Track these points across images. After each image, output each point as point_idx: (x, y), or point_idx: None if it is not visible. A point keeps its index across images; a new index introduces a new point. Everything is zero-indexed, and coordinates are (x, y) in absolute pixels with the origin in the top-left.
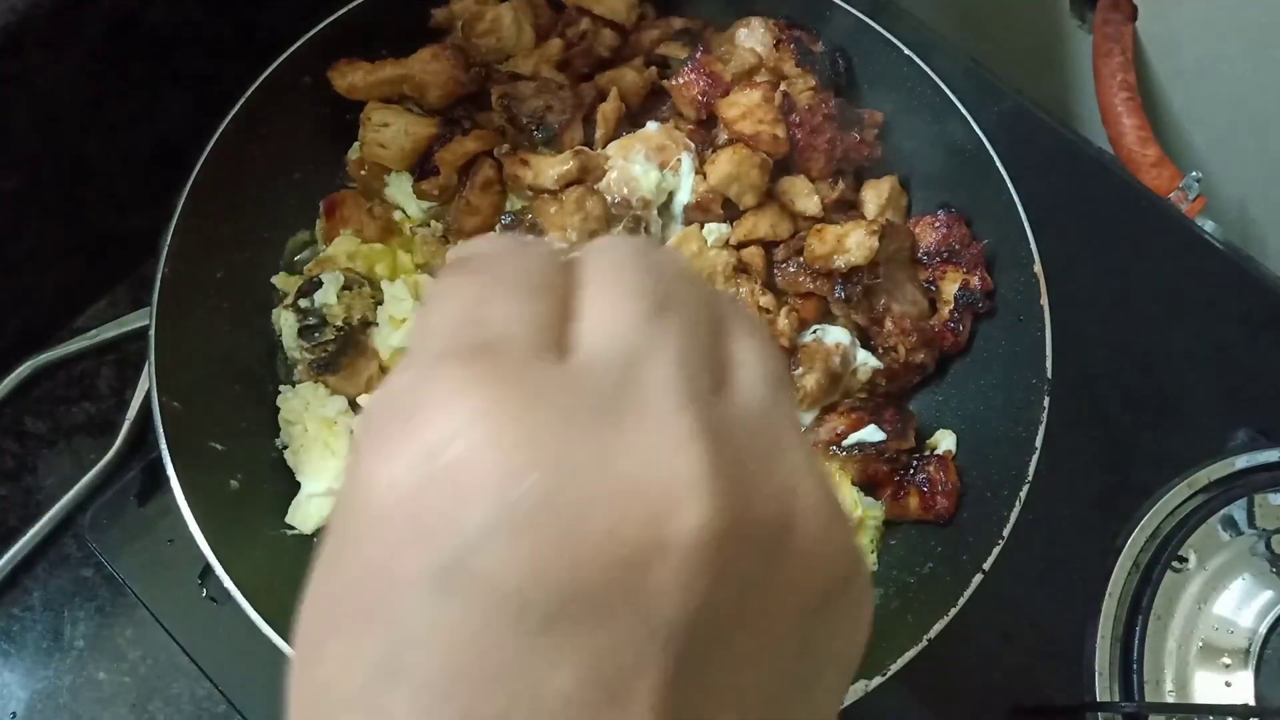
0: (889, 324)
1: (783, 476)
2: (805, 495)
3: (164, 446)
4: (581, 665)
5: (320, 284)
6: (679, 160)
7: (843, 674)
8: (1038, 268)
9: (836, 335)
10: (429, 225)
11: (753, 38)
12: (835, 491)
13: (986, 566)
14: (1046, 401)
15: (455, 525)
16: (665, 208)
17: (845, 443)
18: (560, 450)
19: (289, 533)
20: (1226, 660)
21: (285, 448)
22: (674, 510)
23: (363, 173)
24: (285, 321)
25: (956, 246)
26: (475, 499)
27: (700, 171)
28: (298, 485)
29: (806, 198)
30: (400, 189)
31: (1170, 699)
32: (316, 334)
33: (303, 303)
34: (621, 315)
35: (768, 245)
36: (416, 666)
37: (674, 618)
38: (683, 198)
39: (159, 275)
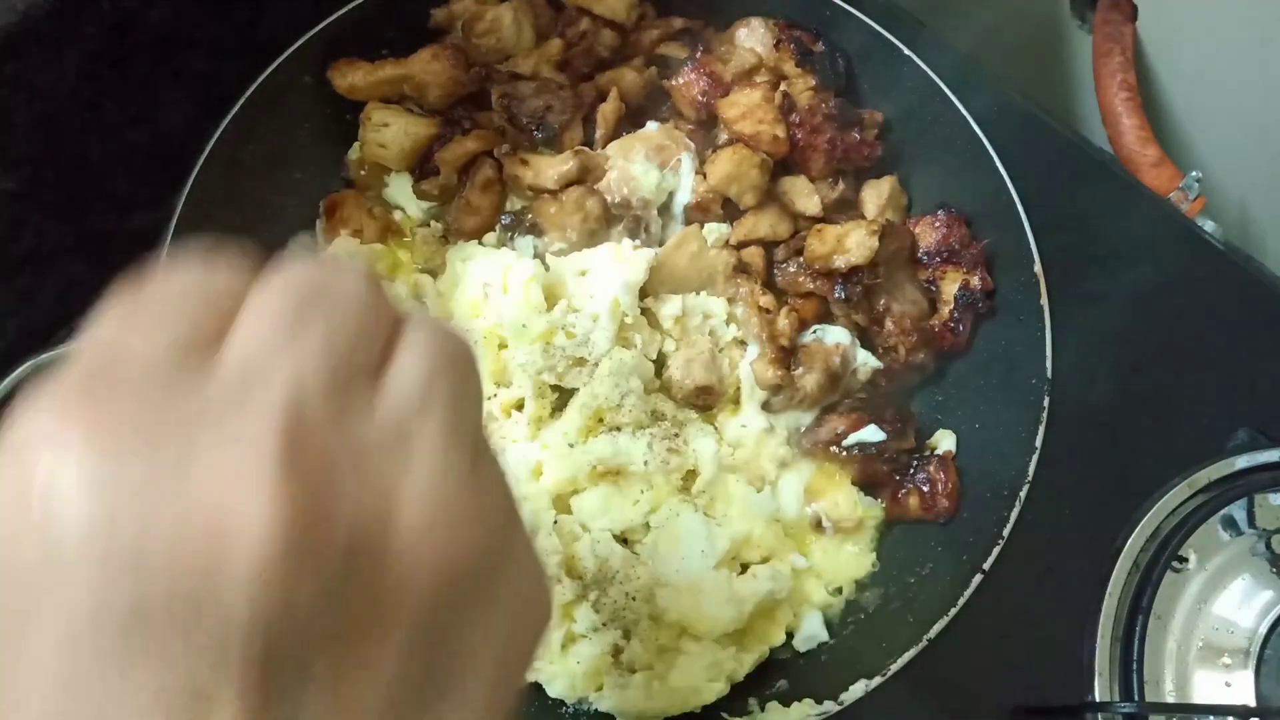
0: (889, 324)
1: (387, 483)
2: (411, 502)
3: None
4: (160, 679)
5: None
6: (679, 160)
7: (503, 669)
8: (1038, 268)
9: (836, 335)
10: (429, 225)
11: (753, 38)
12: (479, 492)
13: (986, 566)
14: (1046, 401)
15: (41, 562)
16: (665, 208)
17: (845, 443)
18: (137, 477)
19: None
20: (1226, 660)
21: None
22: (235, 530)
23: (363, 173)
24: None
25: (956, 246)
26: (56, 533)
27: (700, 171)
28: None
29: (806, 198)
30: (400, 189)
31: (1170, 699)
32: None
33: None
34: (264, 318)
35: (768, 245)
36: (23, 702)
37: (246, 631)
38: (683, 198)
39: None
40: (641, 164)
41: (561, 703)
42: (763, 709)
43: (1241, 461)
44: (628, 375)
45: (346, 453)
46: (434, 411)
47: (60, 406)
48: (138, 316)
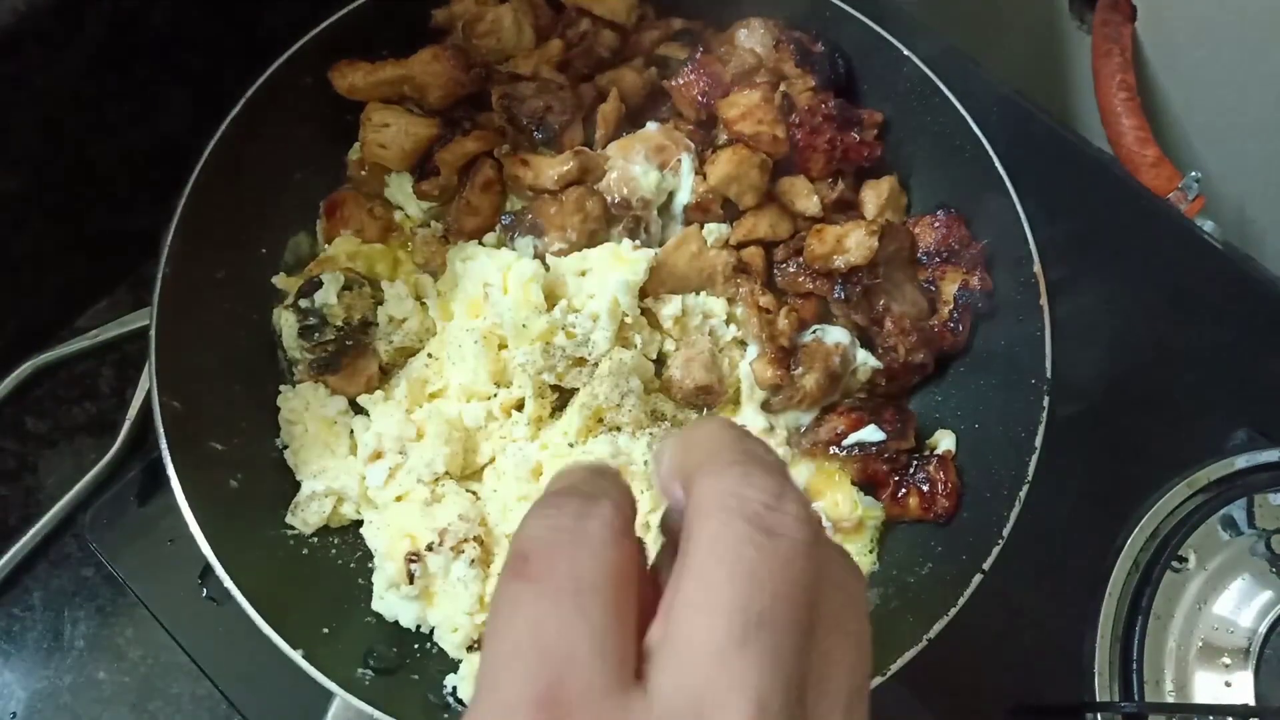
0: (889, 324)
1: None
2: None
3: (164, 446)
4: None
5: (320, 284)
6: (679, 160)
7: None
8: (1038, 268)
9: (836, 335)
10: (429, 225)
11: (753, 38)
12: None
13: (986, 566)
14: (1046, 401)
15: None
16: (665, 208)
17: (845, 443)
18: None
19: (289, 533)
20: (1226, 660)
21: (285, 447)
22: None
23: (363, 173)
24: (285, 321)
25: (956, 246)
26: None
27: (700, 172)
28: (298, 485)
29: (806, 198)
30: (400, 189)
31: (1170, 699)
32: (316, 334)
33: (303, 303)
34: (704, 647)
35: (768, 245)
36: None
37: None
38: (683, 198)
39: (159, 275)
40: (641, 164)
41: None
42: None
43: (1241, 461)
44: (628, 375)
45: None
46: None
47: None
48: (552, 604)
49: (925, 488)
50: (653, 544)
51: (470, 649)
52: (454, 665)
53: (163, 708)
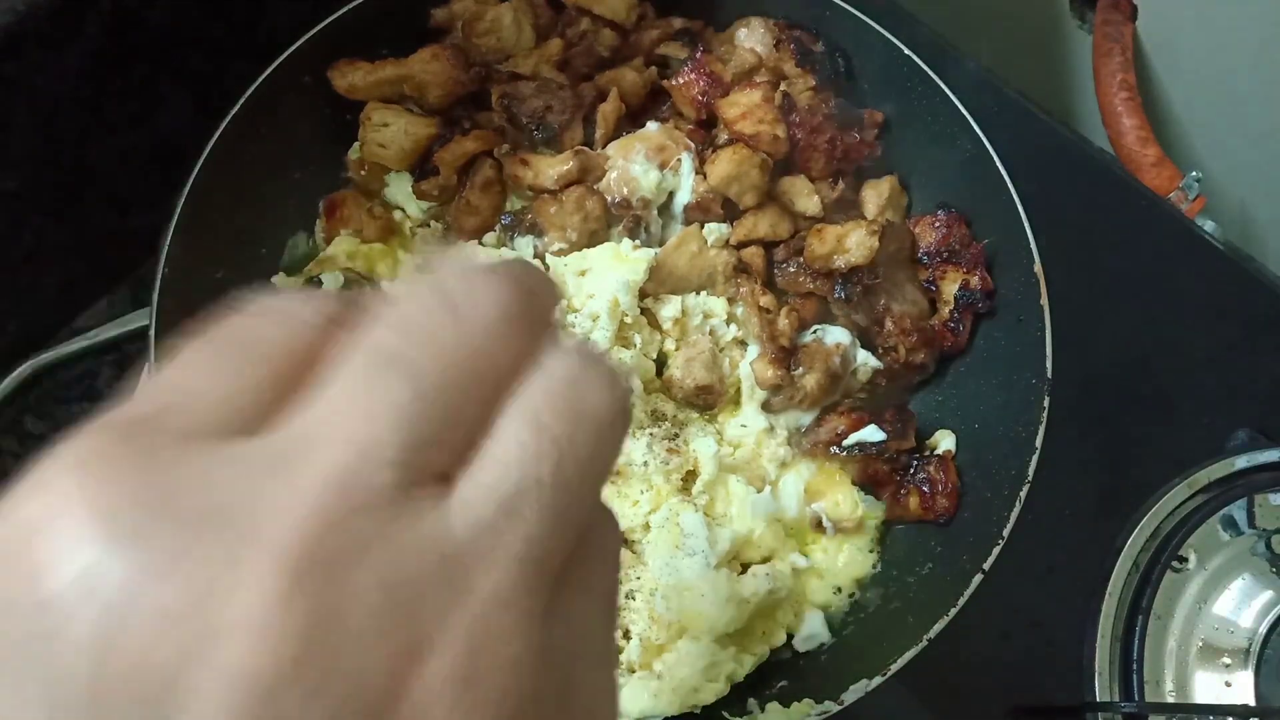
0: (889, 324)
1: (417, 633)
2: (435, 673)
3: None
4: None
5: (320, 284)
6: (679, 160)
7: None
8: (1038, 268)
9: (837, 335)
10: (429, 225)
11: (753, 38)
12: (540, 668)
13: (986, 566)
14: (1046, 401)
15: (12, 610)
16: (665, 208)
17: (846, 443)
18: (130, 555)
19: None
20: (1226, 660)
21: None
22: (212, 647)
23: (363, 173)
24: None
25: (956, 246)
26: (33, 585)
27: (700, 171)
28: None
29: (806, 198)
30: (400, 189)
31: (1170, 699)
32: None
33: None
34: (335, 393)
35: (768, 245)
36: None
37: None
38: (683, 198)
39: (159, 275)
40: (641, 164)
41: None
42: (763, 709)
43: (1241, 461)
44: (627, 375)
45: (378, 581)
46: (514, 534)
47: (84, 447)
48: (207, 356)
49: (925, 488)
50: (652, 544)
51: None
52: None
53: None
